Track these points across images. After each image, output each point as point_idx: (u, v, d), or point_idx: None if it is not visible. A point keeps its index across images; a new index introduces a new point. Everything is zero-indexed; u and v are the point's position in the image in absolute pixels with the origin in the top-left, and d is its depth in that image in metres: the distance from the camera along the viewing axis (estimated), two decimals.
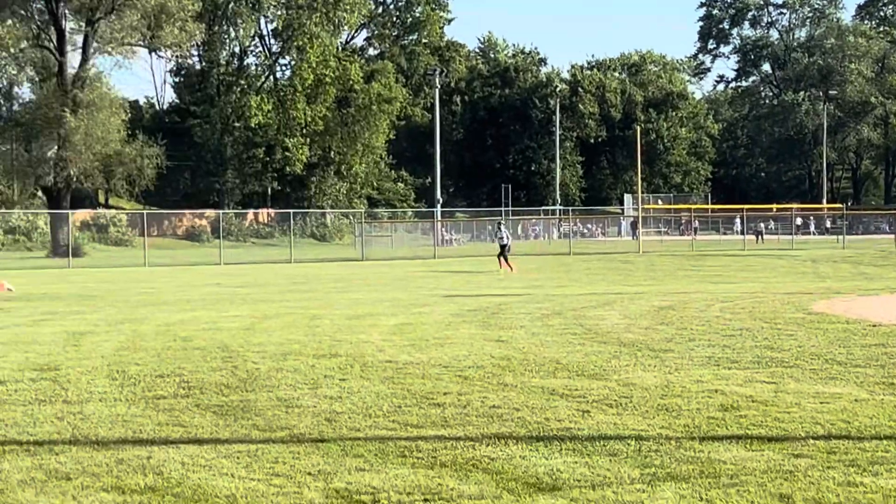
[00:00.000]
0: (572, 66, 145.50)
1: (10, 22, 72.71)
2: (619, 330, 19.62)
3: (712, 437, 10.04)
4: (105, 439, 10.04)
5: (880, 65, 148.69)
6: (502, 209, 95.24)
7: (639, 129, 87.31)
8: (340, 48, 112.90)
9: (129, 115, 79.06)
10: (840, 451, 9.37)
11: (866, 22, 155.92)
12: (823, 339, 17.71)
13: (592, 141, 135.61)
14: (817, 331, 18.94)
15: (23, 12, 72.46)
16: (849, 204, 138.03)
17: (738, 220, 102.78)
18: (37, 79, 78.65)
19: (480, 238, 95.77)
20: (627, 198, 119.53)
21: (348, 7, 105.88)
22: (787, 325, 20.09)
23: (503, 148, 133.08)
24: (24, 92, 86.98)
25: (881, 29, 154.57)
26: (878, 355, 15.47)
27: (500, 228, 49.98)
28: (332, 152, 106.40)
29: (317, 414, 11.30)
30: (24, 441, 9.96)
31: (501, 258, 47.12)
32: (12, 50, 73.69)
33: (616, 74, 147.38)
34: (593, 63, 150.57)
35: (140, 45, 77.82)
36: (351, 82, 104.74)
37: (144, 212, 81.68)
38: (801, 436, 10.00)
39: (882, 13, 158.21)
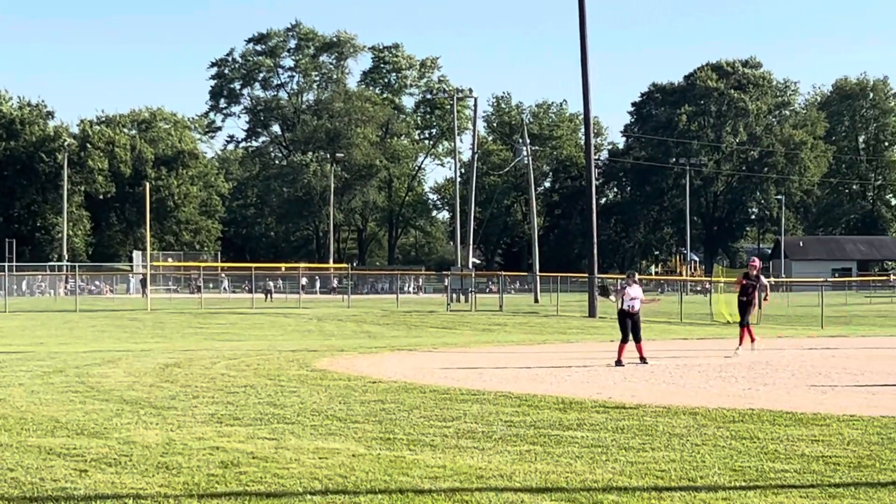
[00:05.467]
0: (81, 121, 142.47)
1: None
2: (123, 388, 19.31)
3: (211, 494, 10.03)
4: None
5: (384, 129, 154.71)
6: (6, 265, 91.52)
7: (148, 185, 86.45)
8: None
9: None
10: None
11: (371, 88, 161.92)
12: (325, 395, 18.11)
13: (102, 197, 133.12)
14: (319, 387, 19.35)
15: None
16: (354, 264, 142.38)
17: (224, 279, 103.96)
18: None
19: None
20: (137, 255, 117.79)
21: None
22: (290, 381, 20.42)
23: (8, 202, 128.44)
24: None
25: (385, 95, 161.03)
26: (377, 411, 15.97)
27: None
28: None
29: None
30: None
31: None
32: None
33: (126, 130, 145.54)
34: (103, 118, 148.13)
35: None
36: None
37: None
38: (299, 491, 10.16)
39: (385, 80, 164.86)
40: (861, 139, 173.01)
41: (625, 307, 25.12)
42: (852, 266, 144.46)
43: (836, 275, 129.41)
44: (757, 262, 29.94)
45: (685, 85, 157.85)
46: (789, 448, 12.53)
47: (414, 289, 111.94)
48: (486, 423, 14.61)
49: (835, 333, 41.80)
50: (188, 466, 11.35)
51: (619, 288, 26.89)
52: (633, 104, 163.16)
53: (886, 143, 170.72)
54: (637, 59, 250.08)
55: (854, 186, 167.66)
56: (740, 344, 28.15)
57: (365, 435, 13.62)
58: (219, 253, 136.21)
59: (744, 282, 28.98)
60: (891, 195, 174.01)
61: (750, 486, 10.43)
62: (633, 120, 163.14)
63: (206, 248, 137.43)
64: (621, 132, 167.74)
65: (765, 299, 30.27)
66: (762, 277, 29.69)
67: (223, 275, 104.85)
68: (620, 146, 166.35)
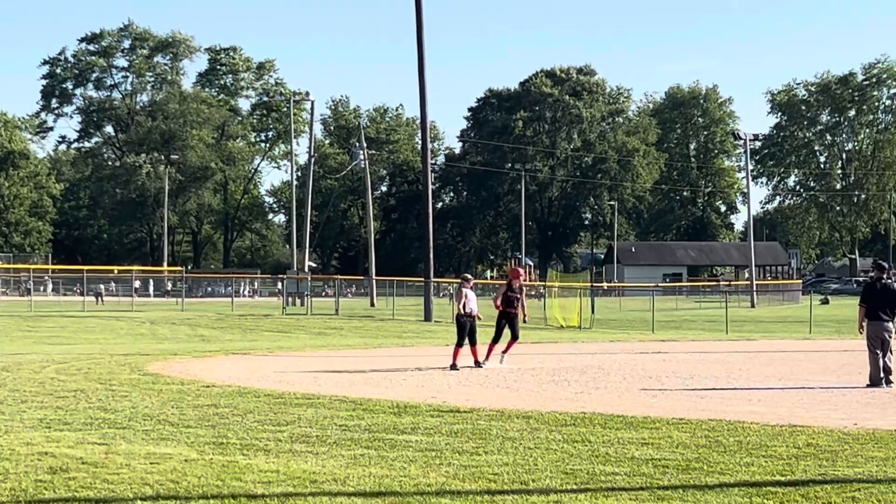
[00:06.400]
0: None
1: None
2: None
3: (39, 500, 9.85)
4: None
5: (220, 131, 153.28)
6: None
7: None
8: None
9: None
10: None
11: (207, 90, 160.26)
12: (157, 399, 17.87)
13: None
14: (151, 392, 19.09)
15: None
16: (189, 267, 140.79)
17: (49, 281, 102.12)
18: None
19: None
20: None
21: None
22: (121, 386, 20.10)
23: None
24: None
25: (221, 97, 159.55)
26: (210, 415, 15.81)
27: None
28: None
29: None
30: None
31: None
32: None
33: None
34: None
35: None
36: None
37: None
38: (129, 497, 10.02)
39: (221, 82, 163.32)
40: (692, 147, 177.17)
41: (466, 311, 25.33)
42: (683, 271, 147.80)
43: (667, 280, 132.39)
44: (522, 273, 27.49)
45: (521, 91, 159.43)
46: (620, 451, 12.74)
47: (249, 292, 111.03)
48: (320, 428, 14.57)
49: (665, 337, 42.65)
50: (15, 472, 11.10)
51: (455, 292, 26.96)
52: (470, 109, 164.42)
53: (716, 151, 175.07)
54: (474, 65, 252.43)
55: (685, 193, 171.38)
56: (492, 356, 25.76)
57: (197, 440, 13.47)
58: (49, 255, 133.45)
59: (508, 293, 25.67)
60: (720, 202, 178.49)
61: (581, 488, 10.58)
62: (469, 125, 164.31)
63: (36, 251, 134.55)
64: (458, 137, 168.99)
65: (524, 320, 26.79)
66: (524, 291, 26.97)
67: (47, 277, 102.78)
68: (457, 151, 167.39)
